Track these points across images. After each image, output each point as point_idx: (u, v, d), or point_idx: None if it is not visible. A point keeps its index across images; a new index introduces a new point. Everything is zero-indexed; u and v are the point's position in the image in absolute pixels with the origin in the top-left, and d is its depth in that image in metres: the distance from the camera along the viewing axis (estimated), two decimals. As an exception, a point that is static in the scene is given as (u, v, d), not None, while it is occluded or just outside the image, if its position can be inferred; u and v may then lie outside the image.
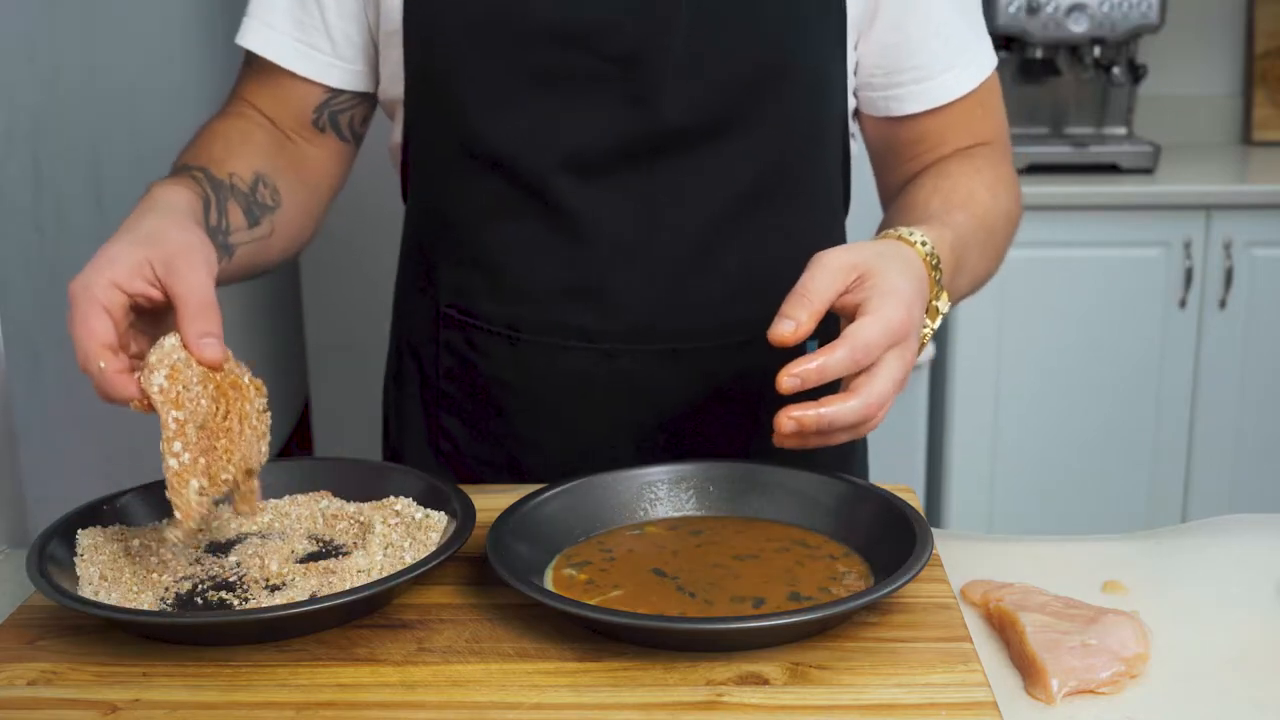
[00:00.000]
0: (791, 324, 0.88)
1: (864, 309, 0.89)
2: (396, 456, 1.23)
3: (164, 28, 1.98)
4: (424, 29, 1.07)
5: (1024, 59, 2.76)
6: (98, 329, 0.84)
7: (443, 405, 1.18)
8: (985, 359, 2.59)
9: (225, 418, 0.88)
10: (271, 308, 2.65)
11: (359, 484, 1.00)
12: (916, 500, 0.99)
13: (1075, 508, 2.67)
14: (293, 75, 1.12)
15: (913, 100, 1.14)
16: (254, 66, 1.14)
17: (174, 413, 0.84)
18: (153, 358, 0.85)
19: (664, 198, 1.09)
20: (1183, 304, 2.58)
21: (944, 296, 0.98)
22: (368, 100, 1.17)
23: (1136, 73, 2.78)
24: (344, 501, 0.99)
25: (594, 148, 1.07)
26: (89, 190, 1.65)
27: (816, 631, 0.81)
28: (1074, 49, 2.76)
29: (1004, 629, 0.87)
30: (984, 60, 1.17)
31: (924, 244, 0.97)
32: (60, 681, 0.79)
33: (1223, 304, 2.58)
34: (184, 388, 0.85)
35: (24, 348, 1.36)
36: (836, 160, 1.17)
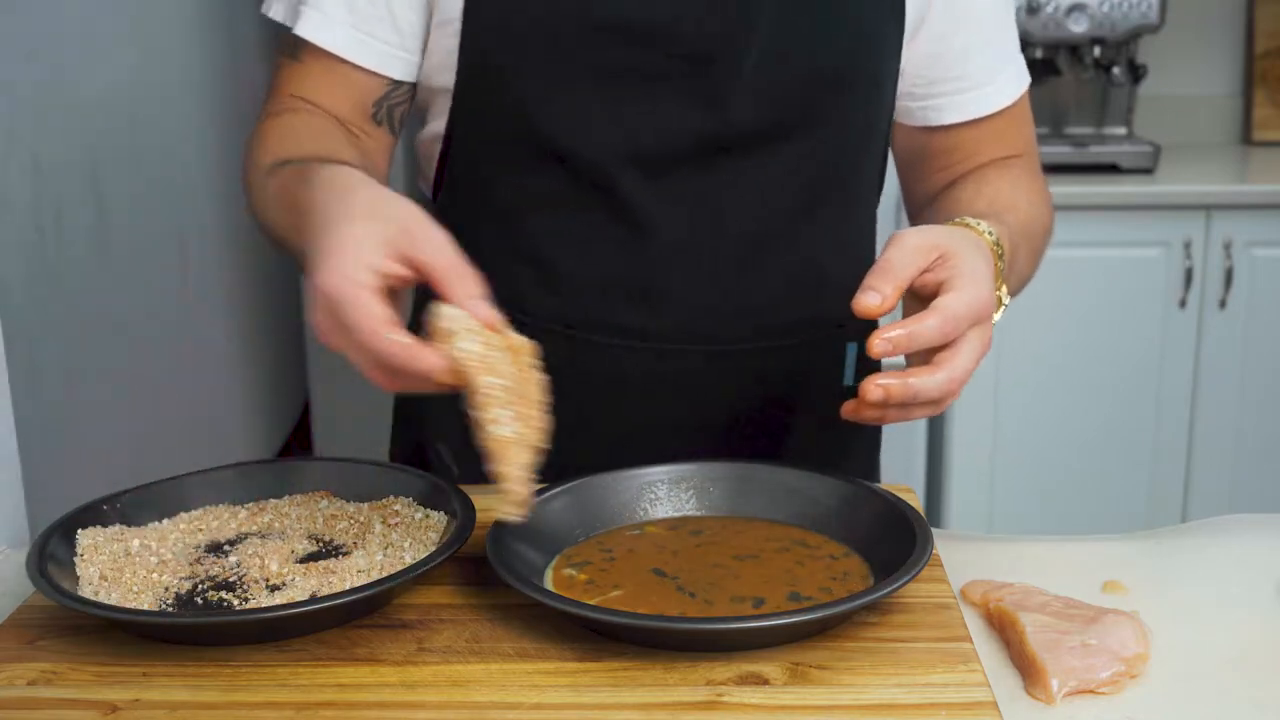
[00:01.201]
0: (877, 296, 0.89)
1: (949, 285, 0.90)
2: (420, 456, 1.22)
3: (164, 28, 1.98)
4: (489, 21, 1.05)
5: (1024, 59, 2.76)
6: (378, 311, 0.80)
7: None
8: (985, 359, 2.59)
9: (523, 383, 0.83)
10: (271, 308, 2.65)
11: (359, 484, 1.00)
12: (916, 500, 0.99)
13: (1075, 508, 2.67)
14: (355, 67, 1.08)
15: (953, 110, 1.16)
16: (305, 60, 1.09)
17: (487, 379, 0.80)
18: (444, 325, 0.81)
19: (723, 198, 1.09)
20: (1183, 304, 2.58)
21: (1004, 288, 1.00)
22: (413, 92, 1.14)
23: (1136, 73, 2.78)
24: (344, 501, 0.99)
25: (660, 145, 1.07)
26: (89, 190, 1.65)
27: (816, 631, 0.81)
28: (1074, 49, 2.76)
29: (1004, 629, 0.87)
30: (1022, 74, 1.19)
31: (990, 233, 0.99)
32: (60, 681, 0.79)
33: (1223, 304, 2.58)
34: (488, 351, 0.81)
35: (24, 348, 1.36)
36: (878, 164, 1.19)
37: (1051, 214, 1.19)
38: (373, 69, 1.09)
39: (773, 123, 1.08)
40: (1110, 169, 2.67)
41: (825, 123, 1.10)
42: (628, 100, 1.06)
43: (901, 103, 1.17)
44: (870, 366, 1.15)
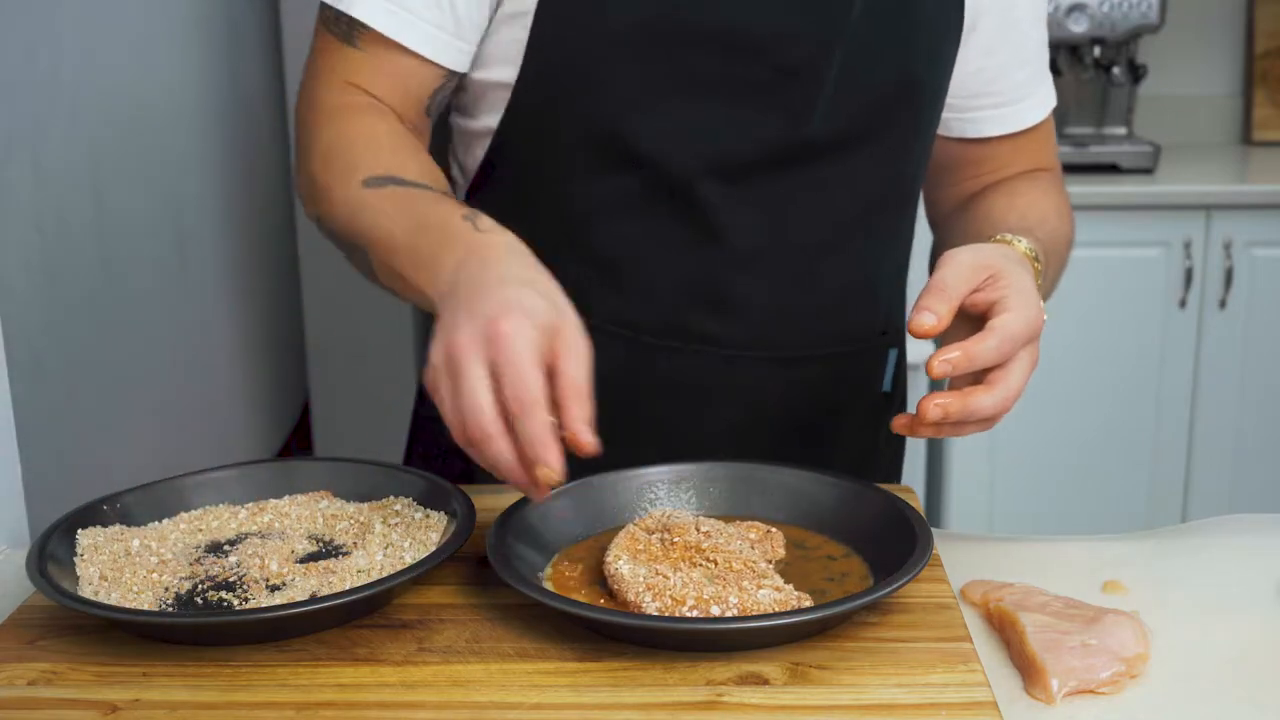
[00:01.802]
0: (932, 317, 0.90)
1: (1004, 305, 0.92)
2: (446, 455, 1.20)
3: (164, 28, 1.98)
4: (565, 18, 1.03)
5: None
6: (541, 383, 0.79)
7: None
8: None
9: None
10: (272, 308, 2.65)
11: (359, 484, 1.00)
12: (916, 500, 0.99)
13: (1075, 508, 2.67)
14: (416, 57, 1.05)
15: (991, 124, 1.19)
16: (363, 46, 1.05)
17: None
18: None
19: (795, 206, 1.10)
20: (1183, 304, 2.58)
21: (1042, 304, 1.00)
22: (456, 83, 1.11)
23: (1136, 73, 2.78)
24: (344, 501, 0.99)
25: (741, 153, 1.07)
26: (89, 190, 1.65)
27: (816, 631, 0.81)
28: (1074, 49, 2.76)
29: (1004, 629, 0.87)
30: (1053, 91, 1.22)
31: (1030, 250, 1.01)
32: (60, 681, 0.79)
33: (1223, 304, 2.58)
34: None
35: (24, 348, 1.36)
36: (922, 173, 1.20)
37: (1073, 226, 1.21)
38: (433, 59, 1.06)
39: (846, 132, 1.09)
40: (1110, 169, 2.67)
41: (891, 133, 1.12)
42: (712, 108, 1.06)
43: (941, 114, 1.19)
44: (905, 373, 1.19)
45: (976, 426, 0.93)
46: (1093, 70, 2.76)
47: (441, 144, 1.18)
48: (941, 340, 0.94)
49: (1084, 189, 2.54)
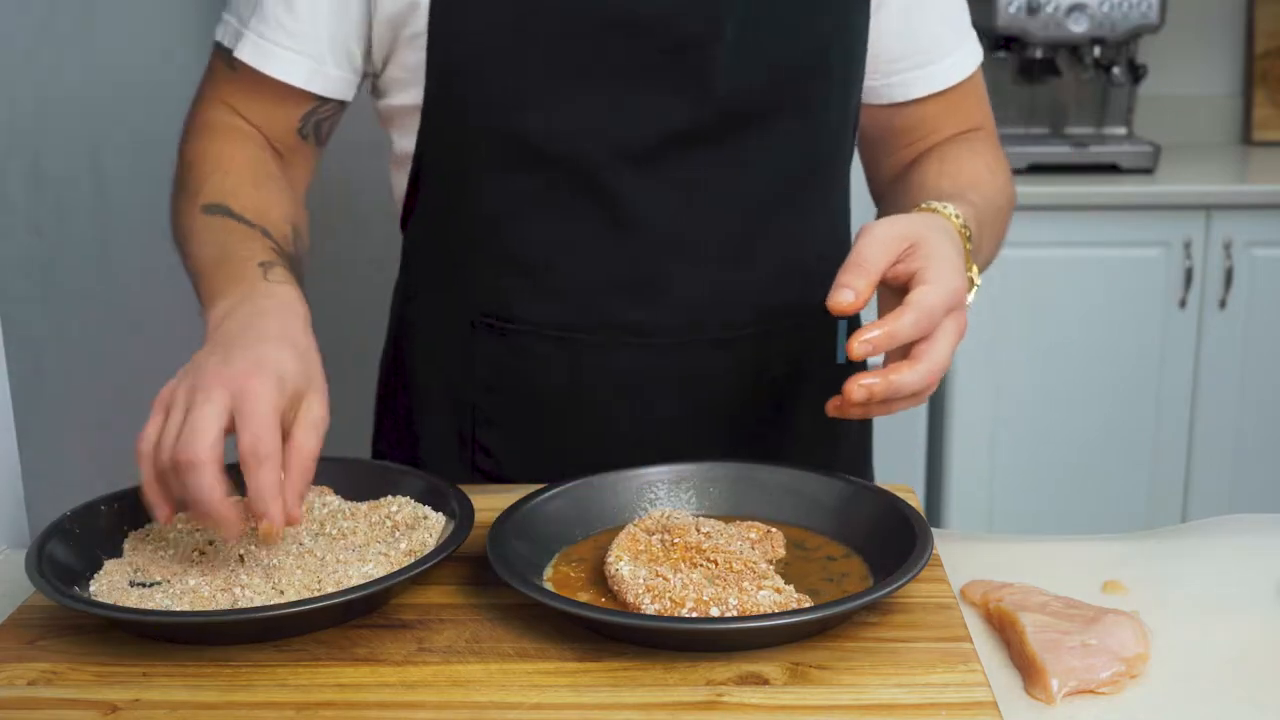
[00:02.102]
0: (850, 293, 0.90)
1: (922, 276, 0.91)
2: (410, 435, 1.22)
3: (164, 27, 1.98)
4: (459, 26, 1.05)
5: (1024, 59, 2.76)
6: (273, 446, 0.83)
7: (479, 421, 1.17)
8: (985, 359, 2.59)
9: None
10: (271, 308, 2.65)
11: (359, 484, 1.00)
12: (916, 500, 0.99)
13: (1075, 508, 2.67)
14: (283, 85, 1.10)
15: (917, 85, 1.17)
16: (240, 71, 1.11)
17: None
18: None
19: (710, 187, 1.09)
20: (1183, 304, 2.58)
21: (975, 269, 1.00)
22: (343, 108, 1.16)
23: (1136, 73, 2.77)
24: (344, 501, 0.99)
25: (643, 138, 1.07)
26: (89, 190, 1.65)
27: (816, 631, 0.81)
28: (1074, 49, 2.76)
29: (1004, 629, 0.87)
30: (977, 47, 1.20)
31: (957, 216, 1.00)
32: (60, 681, 0.79)
33: (1223, 304, 2.58)
34: None
35: (24, 348, 1.36)
36: (850, 147, 1.20)
37: (1012, 183, 1.19)
38: (300, 85, 1.10)
39: (754, 109, 1.08)
40: (1110, 169, 2.67)
41: (803, 109, 1.10)
42: (611, 95, 1.06)
43: (866, 82, 1.17)
44: None
45: (906, 402, 0.92)
46: (1093, 70, 2.75)
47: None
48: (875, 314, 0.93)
49: (1084, 189, 2.54)
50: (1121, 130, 2.84)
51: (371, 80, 1.14)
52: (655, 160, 1.07)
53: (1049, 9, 2.65)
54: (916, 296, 0.90)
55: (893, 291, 0.93)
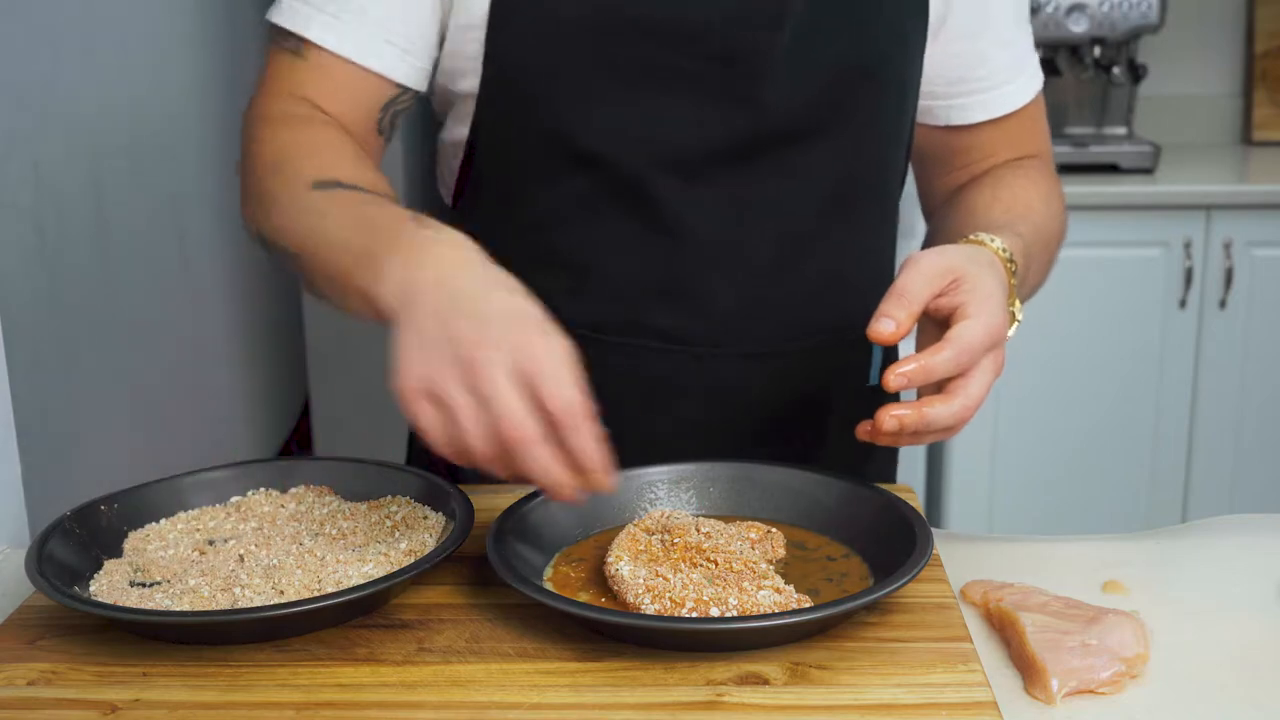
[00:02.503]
0: (891, 323, 0.90)
1: (964, 312, 0.91)
2: (446, 468, 1.21)
3: (165, 28, 1.98)
4: (517, 25, 1.04)
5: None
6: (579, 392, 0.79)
7: None
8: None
9: None
10: (271, 308, 2.65)
11: (359, 484, 1.00)
12: (916, 500, 0.99)
13: (1075, 508, 2.67)
14: (364, 71, 1.05)
15: (976, 110, 1.17)
16: (312, 59, 1.05)
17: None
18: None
19: (755, 199, 1.09)
20: (1183, 304, 2.58)
21: (1018, 303, 1.00)
22: (414, 102, 1.12)
23: (1136, 73, 2.78)
24: (344, 501, 0.99)
25: (691, 147, 1.07)
26: (89, 190, 1.65)
27: (816, 631, 0.81)
28: (1074, 49, 2.76)
29: (1004, 629, 0.87)
30: (1037, 73, 1.20)
31: (1004, 250, 0.99)
32: (60, 681, 0.79)
33: (1223, 304, 2.58)
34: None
35: (24, 348, 1.36)
36: (901, 165, 1.19)
37: (1065, 214, 1.20)
38: (382, 73, 1.06)
39: (802, 122, 1.08)
40: (1110, 169, 2.67)
41: (854, 122, 1.10)
42: (660, 102, 1.06)
43: (923, 102, 1.18)
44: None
45: (936, 435, 0.92)
46: (1093, 70, 2.76)
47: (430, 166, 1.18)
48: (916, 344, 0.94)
49: (1084, 189, 2.54)
50: (1121, 130, 2.85)
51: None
52: (700, 169, 1.07)
53: (1049, 9, 2.65)
54: (957, 333, 0.90)
55: (934, 323, 0.93)
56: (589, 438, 0.79)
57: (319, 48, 1.05)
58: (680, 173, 1.07)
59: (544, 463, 0.79)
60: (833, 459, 1.18)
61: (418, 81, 1.09)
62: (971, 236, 1.01)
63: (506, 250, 1.12)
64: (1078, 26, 2.67)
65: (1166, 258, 2.57)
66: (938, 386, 0.91)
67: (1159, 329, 2.59)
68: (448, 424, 0.79)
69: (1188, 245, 2.55)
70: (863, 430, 0.92)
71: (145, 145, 1.86)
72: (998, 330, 0.92)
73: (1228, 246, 2.55)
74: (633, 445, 1.12)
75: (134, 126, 1.82)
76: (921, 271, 0.92)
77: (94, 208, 1.68)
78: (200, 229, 2.14)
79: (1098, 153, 2.70)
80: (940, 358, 0.89)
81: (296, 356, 2.83)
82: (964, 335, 0.90)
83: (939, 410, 0.89)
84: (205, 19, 2.09)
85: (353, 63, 1.05)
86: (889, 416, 0.89)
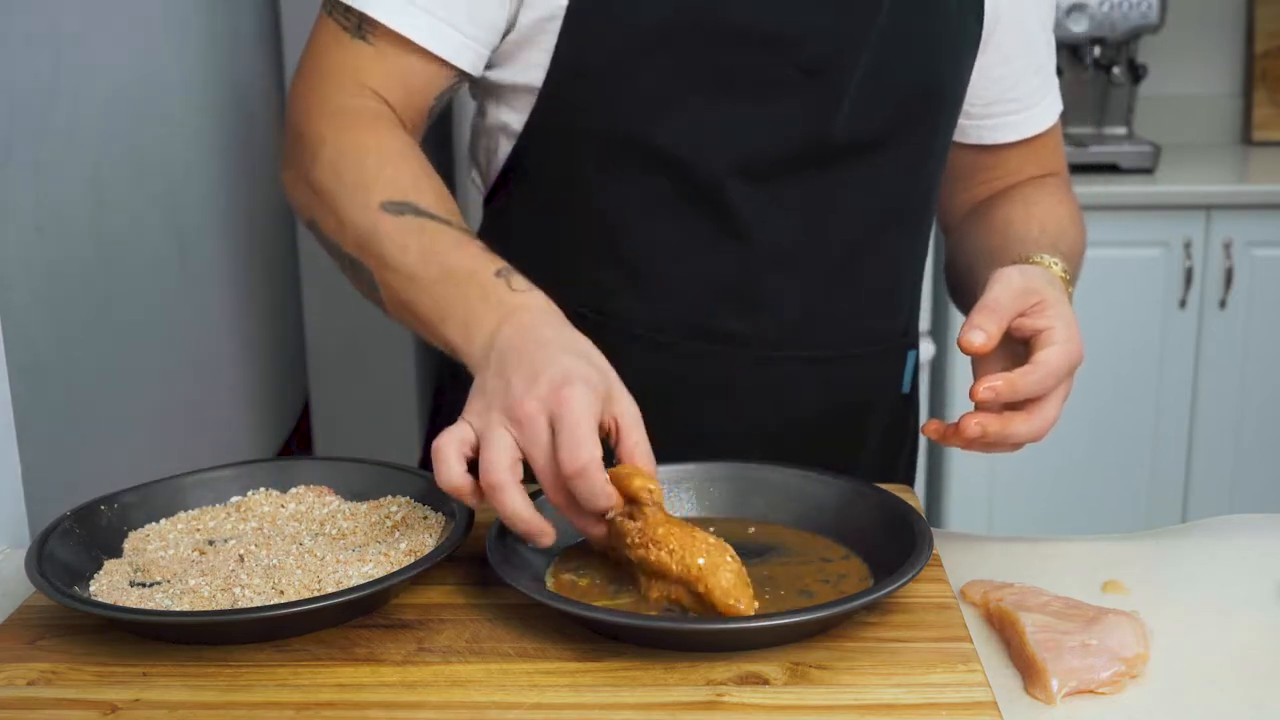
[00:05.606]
0: (982, 335, 0.93)
1: (1050, 337, 0.94)
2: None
3: (164, 28, 1.98)
4: (594, 23, 1.03)
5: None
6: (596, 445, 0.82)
7: None
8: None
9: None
10: (272, 308, 2.65)
11: (359, 484, 1.00)
12: (916, 500, 0.99)
13: (1075, 508, 2.67)
14: (429, 56, 1.03)
15: (1007, 130, 1.21)
16: (376, 44, 1.02)
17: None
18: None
19: (821, 207, 1.11)
20: (1183, 304, 2.58)
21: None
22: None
23: (1136, 73, 2.78)
24: (344, 501, 0.99)
25: (765, 154, 1.07)
26: (89, 190, 1.65)
27: (816, 631, 0.81)
28: (1074, 49, 2.76)
29: (1004, 629, 0.87)
30: (1059, 96, 1.25)
31: (1065, 274, 1.03)
32: (60, 681, 0.79)
33: (1223, 304, 2.58)
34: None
35: (24, 348, 1.36)
36: (940, 179, 1.21)
37: (1085, 231, 1.22)
38: (446, 58, 1.03)
39: (872, 135, 1.10)
40: (1110, 169, 2.67)
41: (914, 138, 1.13)
42: (739, 109, 1.06)
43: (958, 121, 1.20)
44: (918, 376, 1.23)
45: (1004, 448, 0.95)
46: (1093, 70, 2.76)
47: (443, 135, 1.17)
48: (978, 362, 0.97)
49: (1084, 189, 2.52)
50: (1121, 130, 2.84)
51: None
52: (773, 177, 1.08)
53: (1049, 9, 2.65)
54: (1045, 357, 0.93)
55: (1006, 340, 0.95)
56: (598, 484, 0.82)
57: (383, 27, 1.02)
58: (753, 178, 1.08)
59: (507, 509, 0.83)
60: (867, 460, 1.21)
61: (475, 68, 1.06)
62: (1035, 259, 1.04)
63: (564, 248, 1.11)
64: (1078, 26, 2.67)
65: (1166, 258, 2.57)
66: (1011, 404, 0.94)
67: (1159, 329, 2.59)
68: (457, 463, 0.84)
69: (1188, 245, 2.55)
70: (932, 428, 0.96)
71: (145, 145, 1.86)
72: (1075, 356, 0.95)
73: (1228, 246, 2.55)
74: (681, 442, 1.12)
75: (134, 126, 1.82)
76: (1011, 288, 0.95)
77: (94, 208, 1.68)
78: (200, 229, 2.14)
79: (1098, 153, 2.70)
80: (1029, 380, 0.93)
81: (296, 356, 2.83)
82: (1051, 360, 0.93)
83: (1020, 426, 0.93)
84: (205, 19, 2.09)
85: (417, 46, 1.02)
86: (974, 423, 0.93)
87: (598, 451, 0.82)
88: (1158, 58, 2.93)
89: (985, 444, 0.94)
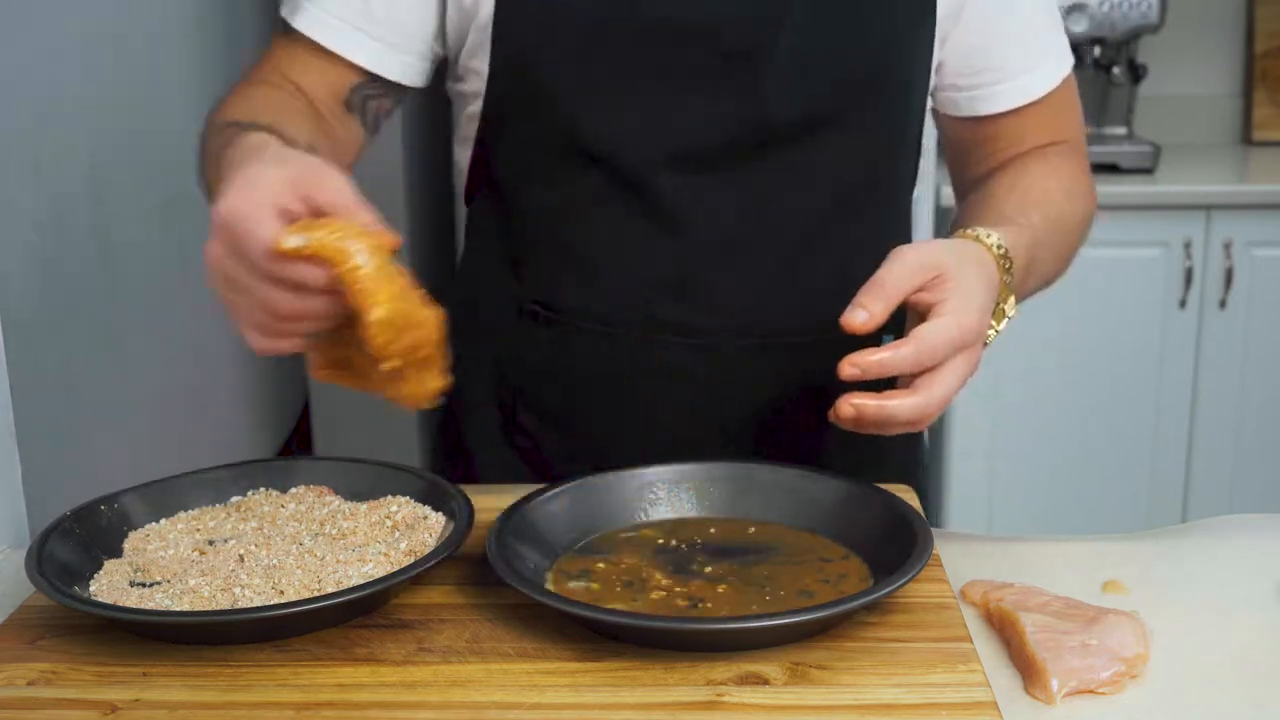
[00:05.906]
0: (865, 313, 0.90)
1: (938, 310, 0.91)
2: (461, 451, 1.23)
3: (164, 28, 1.98)
4: (522, 21, 1.07)
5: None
6: (275, 228, 0.79)
7: (520, 402, 1.18)
8: (984, 358, 2.59)
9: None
10: (271, 308, 2.65)
11: (359, 484, 1.00)
12: (916, 500, 0.99)
13: (1075, 508, 2.67)
14: (334, 56, 1.12)
15: (996, 100, 1.17)
16: (298, 43, 1.13)
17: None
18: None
19: (764, 195, 1.10)
20: (1183, 304, 2.58)
21: (1011, 300, 1.01)
22: (399, 92, 1.16)
23: (1136, 73, 2.78)
24: (344, 501, 0.99)
25: (699, 143, 1.08)
26: (89, 190, 1.65)
27: (816, 631, 0.81)
28: (1074, 49, 2.75)
29: (1004, 629, 0.87)
30: (1064, 59, 1.21)
31: (999, 247, 0.99)
32: (60, 681, 0.79)
33: (1223, 304, 2.58)
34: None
35: (24, 348, 1.36)
36: (911, 164, 1.20)
37: (1093, 201, 1.19)
38: (346, 57, 1.11)
39: (806, 120, 1.09)
40: (1110, 169, 2.67)
41: (857, 122, 1.11)
42: (664, 99, 1.07)
43: (946, 94, 1.18)
44: None
45: (899, 428, 0.92)
46: (1093, 70, 2.75)
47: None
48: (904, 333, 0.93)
49: (1084, 189, 2.54)
50: (1121, 130, 2.84)
51: (442, 63, 1.16)
52: (708, 166, 1.08)
53: (1049, 9, 2.65)
54: (922, 330, 0.90)
55: (919, 317, 0.93)
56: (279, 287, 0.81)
57: (297, 31, 1.12)
58: (687, 170, 1.08)
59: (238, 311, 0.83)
60: (835, 452, 1.18)
61: (400, 75, 1.13)
62: (966, 231, 1.01)
63: (523, 243, 1.13)
64: (1078, 26, 2.67)
65: (1166, 258, 2.57)
66: (907, 381, 0.91)
67: (1159, 329, 2.59)
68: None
69: (1188, 245, 2.55)
70: (831, 412, 0.92)
71: (145, 145, 1.86)
72: (970, 331, 0.92)
73: (1228, 246, 2.55)
74: (638, 434, 1.13)
75: (134, 126, 1.82)
76: (904, 264, 0.92)
77: (94, 208, 1.68)
78: (200, 229, 2.13)
79: (1098, 153, 2.70)
80: (900, 354, 0.89)
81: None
82: (928, 335, 0.90)
83: (898, 405, 0.90)
84: (205, 19, 2.09)
85: (319, 45, 1.11)
86: (847, 404, 0.90)
87: (270, 236, 0.79)
88: (1158, 58, 2.93)
89: (868, 424, 0.91)
